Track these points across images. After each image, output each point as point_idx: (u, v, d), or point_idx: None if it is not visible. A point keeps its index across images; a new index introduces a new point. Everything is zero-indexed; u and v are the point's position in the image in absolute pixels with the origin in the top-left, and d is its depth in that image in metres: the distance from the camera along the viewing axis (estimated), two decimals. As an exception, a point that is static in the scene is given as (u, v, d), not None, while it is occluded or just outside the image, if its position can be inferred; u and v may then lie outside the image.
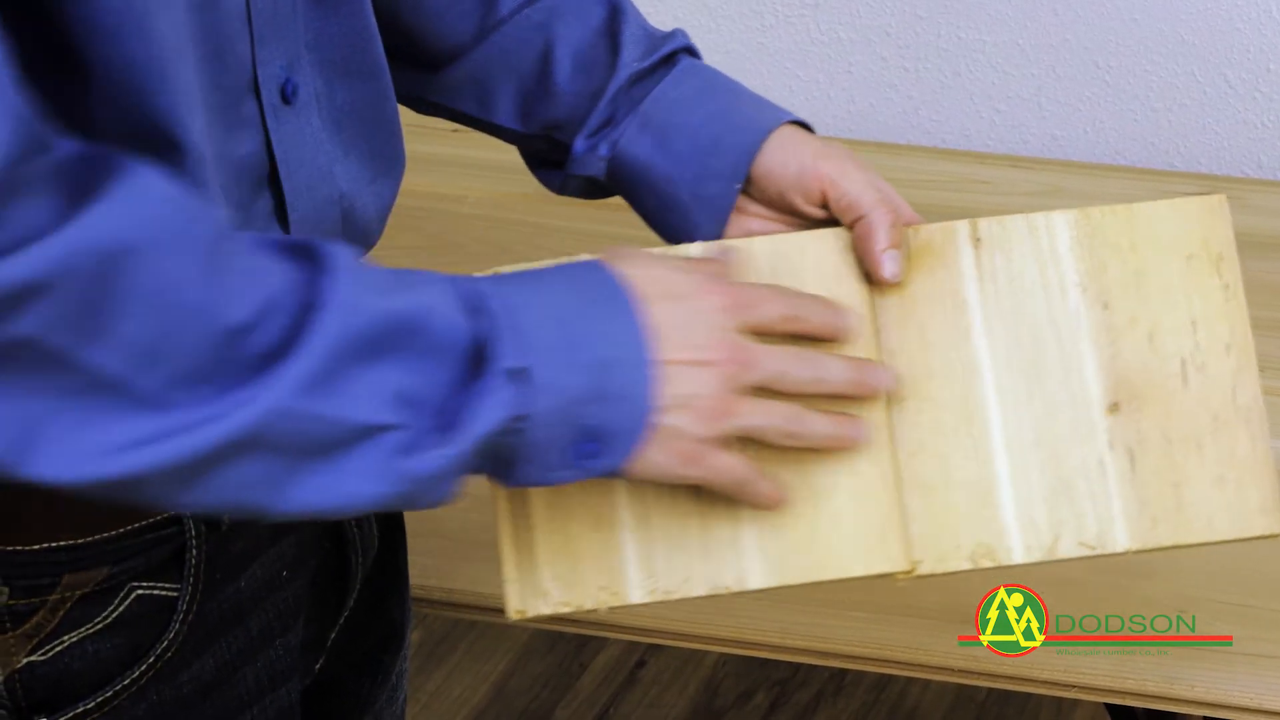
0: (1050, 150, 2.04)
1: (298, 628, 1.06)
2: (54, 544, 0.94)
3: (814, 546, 0.97)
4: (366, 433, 0.84)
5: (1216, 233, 1.01)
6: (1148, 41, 1.96)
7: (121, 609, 0.97)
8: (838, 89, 2.08)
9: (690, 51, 1.12)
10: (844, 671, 2.28)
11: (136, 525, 0.96)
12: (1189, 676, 1.29)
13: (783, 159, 1.06)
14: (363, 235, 1.05)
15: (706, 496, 0.96)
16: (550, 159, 1.14)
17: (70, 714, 0.97)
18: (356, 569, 1.12)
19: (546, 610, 0.96)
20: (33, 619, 0.95)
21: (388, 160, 1.05)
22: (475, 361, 0.86)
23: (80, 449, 0.79)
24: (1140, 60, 1.98)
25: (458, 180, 1.89)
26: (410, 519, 1.21)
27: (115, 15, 0.83)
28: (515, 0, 1.13)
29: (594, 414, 0.88)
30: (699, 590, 0.97)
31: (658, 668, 2.36)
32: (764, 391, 0.93)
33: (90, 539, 0.95)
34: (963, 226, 1.02)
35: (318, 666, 1.12)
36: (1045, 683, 1.31)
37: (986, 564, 0.99)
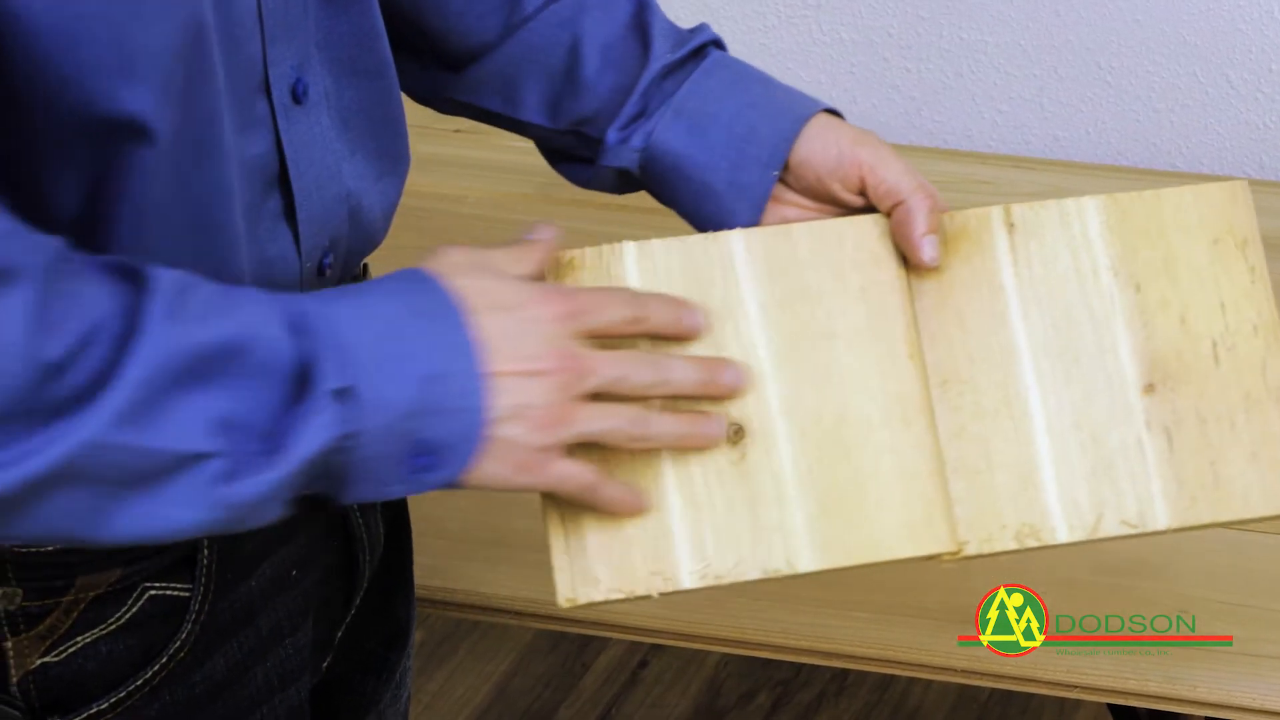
0: (1052, 151, 2.04)
1: (307, 627, 1.07)
2: (67, 546, 0.94)
3: (862, 529, 0.97)
4: (185, 461, 0.83)
5: (1240, 218, 1.03)
6: (1150, 42, 1.97)
7: (134, 610, 0.97)
8: (840, 90, 2.08)
9: (718, 44, 1.12)
10: (846, 672, 2.28)
11: (148, 527, 0.96)
12: (1191, 676, 1.29)
13: (821, 146, 1.06)
14: (368, 234, 1.05)
15: (752, 481, 0.96)
16: (576, 154, 1.14)
17: (84, 715, 0.97)
18: (364, 567, 1.12)
19: (598, 597, 0.96)
20: (46, 620, 0.95)
21: (393, 158, 1.05)
22: (300, 383, 0.85)
23: None
24: (1142, 61, 1.98)
25: (458, 180, 1.89)
26: (413, 519, 1.21)
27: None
28: None
29: (426, 427, 0.87)
30: (751, 574, 0.97)
31: (660, 668, 2.36)
32: (611, 396, 0.92)
33: (102, 541, 0.95)
34: (997, 212, 1.03)
35: (325, 665, 1.12)
36: (1048, 683, 1.31)
37: (1032, 544, 1.00)
